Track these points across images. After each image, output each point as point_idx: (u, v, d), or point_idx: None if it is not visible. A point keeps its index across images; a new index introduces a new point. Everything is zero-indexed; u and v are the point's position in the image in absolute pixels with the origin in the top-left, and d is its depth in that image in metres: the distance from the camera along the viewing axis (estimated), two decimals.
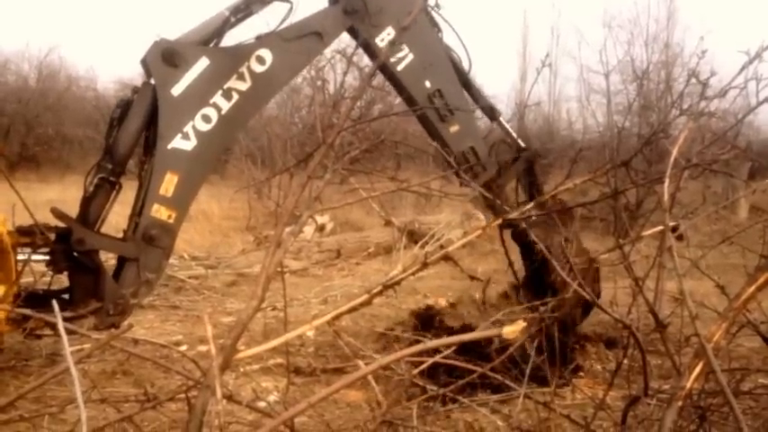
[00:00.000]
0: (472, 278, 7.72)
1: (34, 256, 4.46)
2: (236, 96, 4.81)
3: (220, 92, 4.77)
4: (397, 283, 3.44)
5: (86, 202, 4.70)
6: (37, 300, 4.36)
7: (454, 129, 5.44)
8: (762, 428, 3.20)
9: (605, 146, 13.91)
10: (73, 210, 4.70)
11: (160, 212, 4.69)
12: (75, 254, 4.56)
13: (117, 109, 4.81)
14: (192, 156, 4.74)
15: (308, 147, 14.87)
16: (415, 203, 14.25)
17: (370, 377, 2.88)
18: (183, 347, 5.57)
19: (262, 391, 4.56)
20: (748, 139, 18.16)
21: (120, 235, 4.79)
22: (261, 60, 4.86)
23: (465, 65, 5.65)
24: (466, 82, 5.63)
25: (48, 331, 4.49)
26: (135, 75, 16.50)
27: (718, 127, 5.44)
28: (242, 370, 5.05)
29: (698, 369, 2.40)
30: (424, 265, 3.45)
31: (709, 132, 4.41)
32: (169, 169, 4.69)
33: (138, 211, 4.71)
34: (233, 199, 14.27)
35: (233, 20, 4.95)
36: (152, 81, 4.74)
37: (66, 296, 4.69)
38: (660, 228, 2.96)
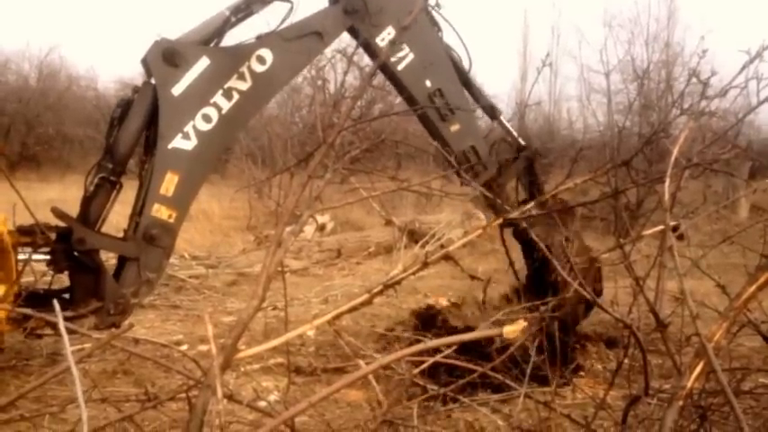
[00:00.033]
0: (473, 278, 7.74)
1: (35, 256, 4.46)
2: (236, 96, 4.81)
3: (221, 91, 4.77)
4: (398, 282, 3.44)
5: (87, 201, 4.70)
6: (37, 299, 4.36)
7: (455, 128, 5.45)
8: (762, 428, 3.20)
9: (606, 145, 13.92)
10: (73, 209, 4.70)
11: (161, 212, 4.69)
12: (75, 253, 4.56)
13: (117, 108, 4.81)
14: (193, 155, 4.74)
15: (309, 146, 14.87)
16: (416, 203, 14.26)
17: (370, 377, 2.89)
18: (184, 347, 5.58)
19: (262, 390, 4.56)
20: (749, 139, 18.15)
21: (121, 234, 4.79)
22: (261, 60, 4.86)
23: (465, 64, 5.65)
24: (466, 81, 5.63)
25: (48, 331, 4.49)
26: (135, 74, 16.52)
27: (718, 126, 5.44)
28: (243, 369, 5.06)
29: (699, 369, 2.40)
30: (425, 265, 3.45)
31: (710, 132, 4.41)
32: (170, 169, 4.69)
33: (139, 210, 4.71)
34: (233, 198, 14.27)
35: (233, 19, 4.95)
36: (152, 81, 4.73)
37: (67, 296, 4.69)
38: (661, 227, 2.96)
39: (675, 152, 3.09)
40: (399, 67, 5.27)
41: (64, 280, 4.83)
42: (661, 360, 4.70)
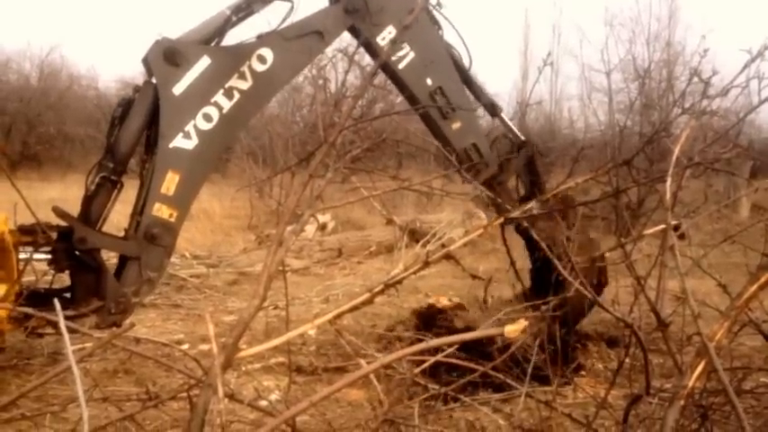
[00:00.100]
0: (474, 277, 7.73)
1: (36, 255, 4.46)
2: (237, 95, 4.81)
3: (222, 91, 4.77)
4: (399, 281, 3.44)
5: (88, 200, 4.70)
6: (39, 298, 4.36)
7: (456, 126, 5.46)
8: (764, 427, 3.19)
9: (607, 144, 13.92)
10: (74, 209, 4.70)
11: (161, 211, 4.69)
12: (76, 253, 4.56)
13: (118, 108, 4.81)
14: (194, 155, 4.74)
15: (310, 145, 14.88)
16: (417, 202, 14.28)
17: (371, 376, 2.88)
18: (185, 346, 5.57)
19: (263, 389, 4.56)
20: (750, 138, 18.19)
21: (122, 234, 4.79)
22: (262, 59, 4.86)
23: (465, 62, 5.65)
24: (467, 79, 5.64)
25: (49, 330, 4.49)
26: (136, 74, 16.50)
27: (719, 126, 5.44)
28: (244, 369, 5.06)
29: (700, 368, 2.40)
30: (426, 264, 3.45)
31: (711, 131, 4.41)
32: (170, 168, 4.69)
33: (140, 209, 4.71)
34: (234, 198, 14.29)
35: (234, 19, 4.95)
36: (153, 80, 4.73)
37: (68, 295, 4.69)
38: (662, 226, 2.95)
39: (677, 151, 3.08)
40: (400, 66, 5.27)
41: (65, 279, 4.84)
42: (662, 359, 4.70)
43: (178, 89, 4.67)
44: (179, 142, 4.69)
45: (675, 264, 2.72)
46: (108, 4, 51.95)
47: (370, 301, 3.35)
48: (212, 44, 4.90)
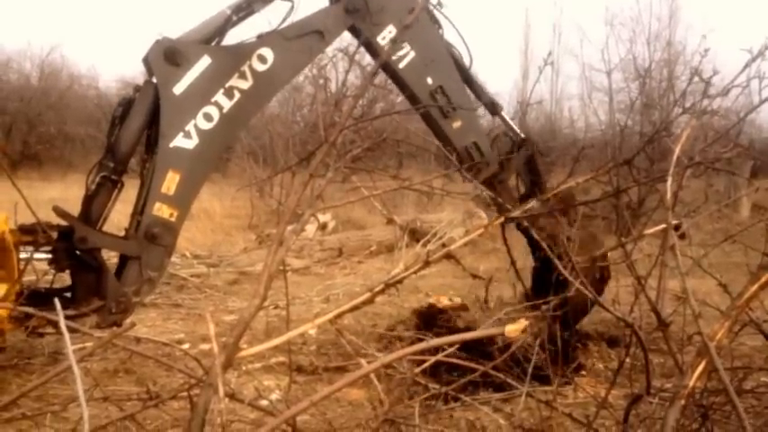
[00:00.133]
0: (474, 277, 7.71)
1: (36, 255, 4.47)
2: (237, 95, 4.81)
3: (222, 90, 4.77)
4: (399, 281, 3.43)
5: (88, 200, 4.71)
6: (39, 298, 4.36)
7: (457, 124, 5.46)
8: (764, 427, 3.19)
9: (607, 144, 13.94)
10: (75, 208, 4.70)
11: (162, 211, 4.69)
12: (77, 252, 4.56)
13: (119, 107, 4.81)
14: (194, 154, 4.74)
15: (310, 145, 14.88)
16: (417, 202, 14.27)
17: (372, 376, 2.88)
18: (186, 346, 5.57)
19: (264, 389, 4.57)
20: (750, 138, 18.20)
21: (123, 233, 4.79)
22: (262, 59, 4.86)
23: (466, 61, 5.65)
24: (467, 78, 5.64)
25: (50, 329, 4.49)
26: (137, 73, 16.51)
27: (720, 125, 5.45)
28: (244, 368, 5.06)
29: (700, 368, 2.40)
30: (426, 264, 3.44)
31: (712, 130, 4.42)
32: (171, 168, 4.69)
33: (140, 209, 4.71)
34: (235, 197, 14.29)
35: (234, 18, 4.95)
36: (154, 80, 4.73)
37: (69, 294, 4.69)
38: (662, 226, 2.95)
39: (677, 151, 3.08)
40: (401, 66, 5.27)
41: (65, 279, 4.84)
42: (663, 359, 4.70)
43: (179, 89, 4.67)
44: (179, 142, 4.69)
45: (676, 263, 2.72)
46: (108, 3, 52.01)
47: (370, 301, 3.34)
48: (213, 44, 4.90)
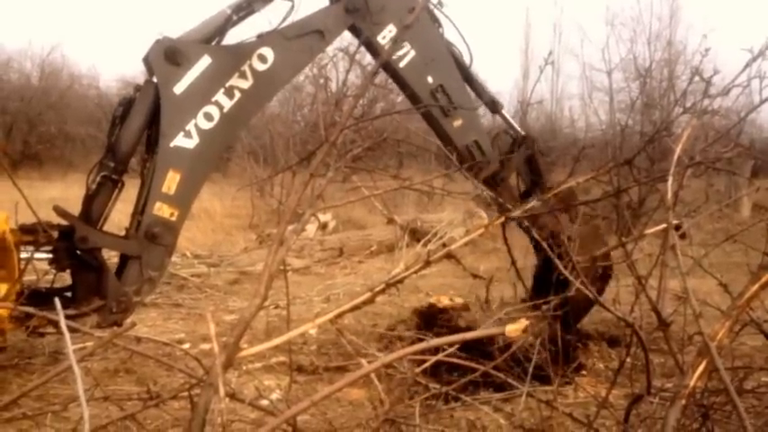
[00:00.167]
0: (475, 276, 7.71)
1: (37, 254, 4.46)
2: (238, 94, 4.80)
3: (222, 90, 4.77)
4: (400, 281, 3.43)
5: (89, 200, 4.71)
6: (40, 298, 4.37)
7: (457, 123, 5.47)
8: (765, 427, 3.19)
9: (608, 144, 13.95)
10: (75, 208, 4.70)
11: (162, 210, 4.69)
12: (77, 252, 4.56)
13: (119, 107, 4.81)
14: (195, 154, 4.74)
15: (311, 145, 14.89)
16: (418, 201, 14.27)
17: (372, 375, 2.88)
18: (186, 345, 5.56)
19: (264, 389, 4.56)
20: (751, 137, 18.21)
21: (123, 233, 4.80)
22: (263, 59, 4.86)
23: (466, 60, 5.64)
24: (468, 77, 5.64)
25: (50, 329, 4.49)
26: (137, 73, 16.50)
27: (721, 125, 5.45)
28: (244, 368, 5.06)
29: (701, 367, 2.40)
30: (427, 264, 3.44)
31: (713, 130, 4.42)
32: (171, 167, 4.69)
33: (141, 208, 4.71)
34: (235, 197, 14.29)
35: (235, 18, 4.95)
36: (154, 79, 4.73)
37: (69, 294, 4.69)
38: (663, 226, 2.95)
39: (678, 151, 3.08)
40: (401, 65, 5.27)
41: (66, 278, 4.84)
42: (663, 359, 4.70)
43: (179, 88, 4.67)
44: (180, 141, 4.69)
45: (677, 263, 2.72)
46: (109, 3, 51.97)
47: (371, 301, 3.35)
48: (213, 43, 4.90)
